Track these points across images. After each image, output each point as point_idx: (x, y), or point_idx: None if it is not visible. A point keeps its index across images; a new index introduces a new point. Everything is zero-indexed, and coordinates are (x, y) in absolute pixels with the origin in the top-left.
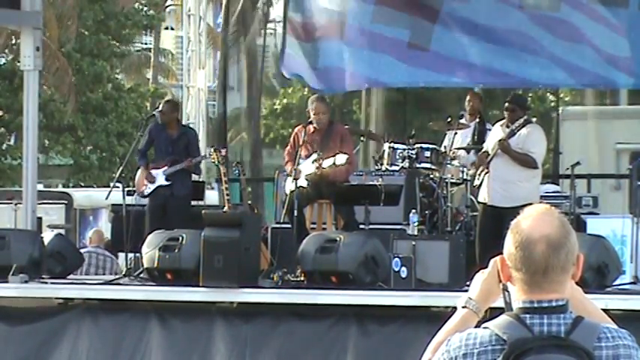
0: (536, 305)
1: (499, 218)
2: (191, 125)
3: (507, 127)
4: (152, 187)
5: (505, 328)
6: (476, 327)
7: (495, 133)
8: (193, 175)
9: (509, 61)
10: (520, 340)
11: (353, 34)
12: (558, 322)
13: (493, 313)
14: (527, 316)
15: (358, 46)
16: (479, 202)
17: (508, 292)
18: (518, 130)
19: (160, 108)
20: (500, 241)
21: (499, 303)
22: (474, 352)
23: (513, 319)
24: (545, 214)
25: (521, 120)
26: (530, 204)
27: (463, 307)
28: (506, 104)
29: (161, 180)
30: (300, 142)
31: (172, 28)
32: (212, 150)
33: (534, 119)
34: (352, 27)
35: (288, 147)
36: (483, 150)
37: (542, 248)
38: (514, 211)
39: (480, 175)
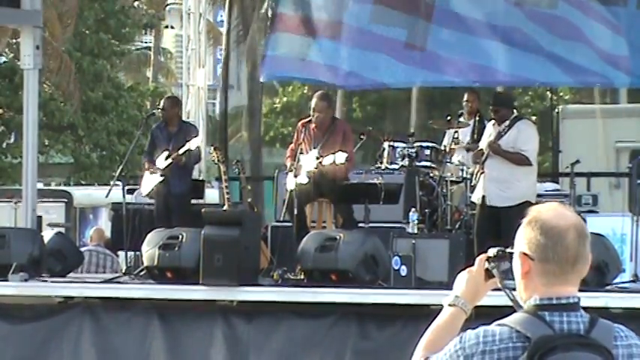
0: (554, 302)
1: (497, 218)
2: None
3: (499, 125)
4: (150, 184)
5: (526, 325)
6: (467, 327)
7: (489, 132)
8: (194, 174)
9: (507, 59)
10: (545, 338)
11: (351, 35)
12: (577, 320)
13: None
14: (546, 313)
15: (356, 46)
16: (471, 202)
17: (509, 289)
18: (508, 129)
19: (161, 105)
20: (498, 241)
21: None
22: (494, 349)
23: (532, 316)
24: (561, 206)
25: (510, 118)
26: (529, 202)
27: (450, 305)
28: (490, 106)
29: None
30: (302, 138)
31: (172, 27)
32: (212, 148)
33: (534, 117)
34: (350, 27)
35: (292, 143)
36: (479, 148)
37: (573, 236)
38: (512, 210)
39: (476, 175)
